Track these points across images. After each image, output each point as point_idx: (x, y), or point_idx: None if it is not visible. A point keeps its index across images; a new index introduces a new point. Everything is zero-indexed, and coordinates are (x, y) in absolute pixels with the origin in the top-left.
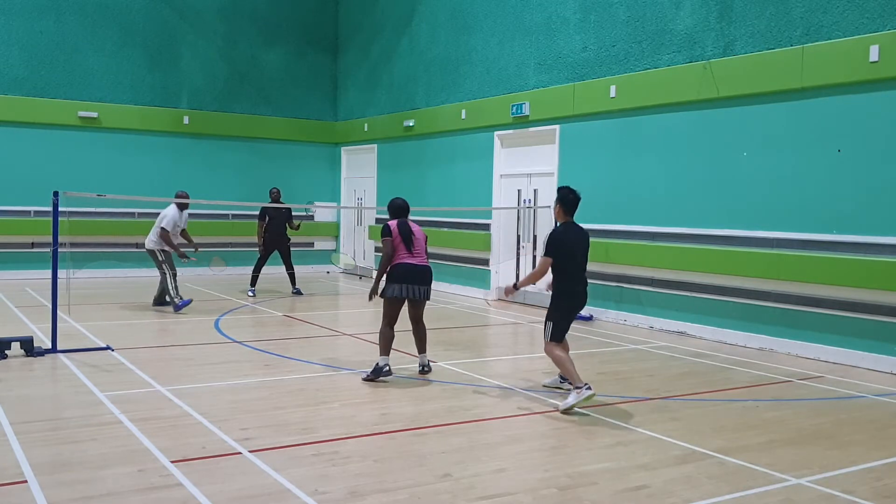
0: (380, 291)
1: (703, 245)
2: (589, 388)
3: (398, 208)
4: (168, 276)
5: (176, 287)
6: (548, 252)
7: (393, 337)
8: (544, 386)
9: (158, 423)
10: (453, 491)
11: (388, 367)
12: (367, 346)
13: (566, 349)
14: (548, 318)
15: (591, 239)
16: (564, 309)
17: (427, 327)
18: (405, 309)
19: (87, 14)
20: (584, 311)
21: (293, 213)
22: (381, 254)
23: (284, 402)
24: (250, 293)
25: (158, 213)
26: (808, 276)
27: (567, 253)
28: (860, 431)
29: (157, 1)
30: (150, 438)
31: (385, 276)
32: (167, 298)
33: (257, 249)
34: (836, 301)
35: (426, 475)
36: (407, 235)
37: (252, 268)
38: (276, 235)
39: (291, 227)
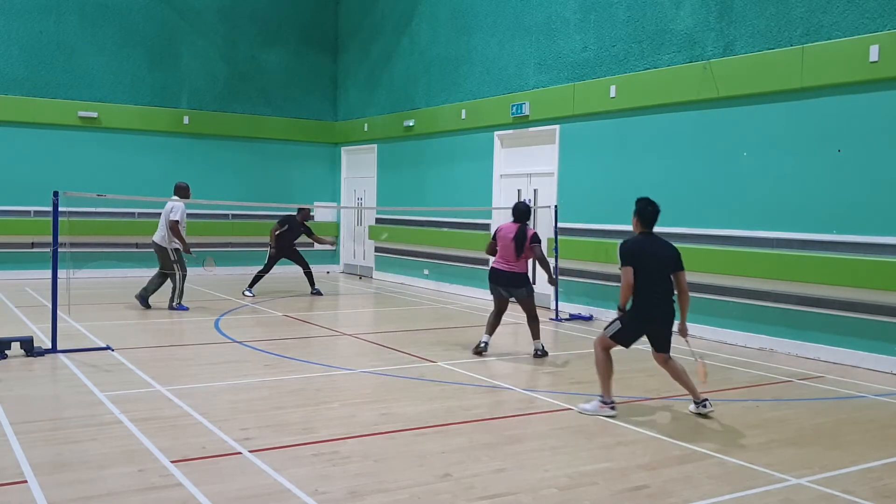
0: None
1: (703, 245)
2: (613, 409)
3: (517, 212)
4: (179, 276)
5: (182, 290)
6: (622, 263)
7: (493, 322)
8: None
9: (158, 423)
10: (453, 491)
11: (483, 344)
12: (367, 346)
13: (611, 365)
14: (618, 317)
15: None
16: (632, 317)
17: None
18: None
19: (87, 14)
20: (584, 311)
21: (312, 233)
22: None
23: (284, 402)
24: (248, 293)
25: (160, 213)
26: (809, 276)
27: (637, 263)
28: (860, 431)
29: (157, 1)
30: (150, 438)
31: None
32: (171, 302)
33: (268, 251)
34: (837, 301)
35: (426, 475)
36: (520, 242)
37: (259, 269)
38: (288, 246)
39: (311, 238)
